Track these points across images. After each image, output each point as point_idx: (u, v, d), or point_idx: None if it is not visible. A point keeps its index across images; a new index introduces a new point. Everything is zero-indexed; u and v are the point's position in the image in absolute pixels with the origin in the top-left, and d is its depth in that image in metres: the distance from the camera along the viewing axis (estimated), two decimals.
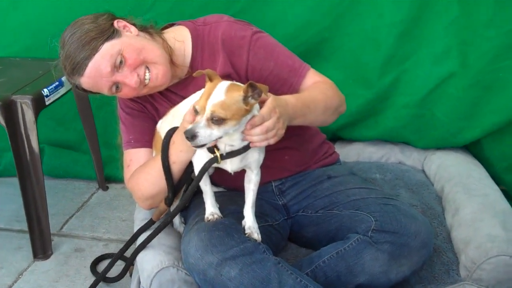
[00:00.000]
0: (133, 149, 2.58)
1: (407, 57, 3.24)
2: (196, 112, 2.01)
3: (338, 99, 2.55)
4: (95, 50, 2.30)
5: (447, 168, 3.16)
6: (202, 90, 2.16)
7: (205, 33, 2.53)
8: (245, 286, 2.19)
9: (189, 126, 1.98)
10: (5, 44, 3.80)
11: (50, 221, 3.19)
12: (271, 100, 2.10)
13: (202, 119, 1.97)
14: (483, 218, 2.63)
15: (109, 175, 3.90)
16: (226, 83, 2.04)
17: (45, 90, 3.11)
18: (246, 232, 2.29)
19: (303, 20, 3.32)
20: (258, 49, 2.49)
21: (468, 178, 3.02)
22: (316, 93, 2.46)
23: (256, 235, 2.29)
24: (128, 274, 2.81)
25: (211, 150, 2.14)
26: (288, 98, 2.27)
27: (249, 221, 2.31)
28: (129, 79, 2.34)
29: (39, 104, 3.06)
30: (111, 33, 2.36)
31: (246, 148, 2.14)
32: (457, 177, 3.03)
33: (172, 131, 2.31)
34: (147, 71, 2.37)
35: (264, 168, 2.34)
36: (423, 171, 3.35)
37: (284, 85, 2.52)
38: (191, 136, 1.96)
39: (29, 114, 3.00)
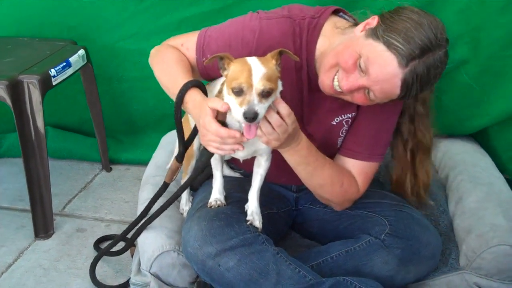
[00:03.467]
0: (196, 56, 2.40)
1: None
2: (238, 92, 1.95)
3: (337, 200, 2.45)
4: None
5: (452, 156, 3.15)
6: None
7: None
8: (242, 276, 2.19)
9: (244, 107, 1.92)
10: None
11: (52, 201, 3.18)
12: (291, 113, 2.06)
13: (253, 96, 1.93)
14: (487, 207, 2.62)
15: (112, 157, 3.88)
16: (254, 58, 2.01)
17: (52, 70, 3.10)
18: (248, 218, 2.28)
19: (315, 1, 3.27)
20: (387, 109, 2.37)
21: (473, 167, 3.00)
22: (330, 173, 2.36)
23: (258, 223, 2.29)
24: (130, 254, 2.81)
25: None
26: (305, 140, 2.22)
27: (252, 205, 2.31)
28: None
29: (46, 85, 3.04)
30: None
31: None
32: (462, 165, 3.02)
33: (188, 86, 2.20)
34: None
35: (291, 172, 2.33)
36: None
37: (351, 141, 2.46)
38: (253, 116, 1.91)
39: (36, 94, 2.99)
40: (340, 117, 2.43)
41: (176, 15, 3.47)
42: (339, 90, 2.20)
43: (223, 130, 2.02)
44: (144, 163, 3.30)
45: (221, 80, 2.27)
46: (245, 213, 2.32)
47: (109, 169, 3.84)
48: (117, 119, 3.90)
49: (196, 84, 2.23)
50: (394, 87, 2.09)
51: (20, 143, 3.00)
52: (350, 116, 2.43)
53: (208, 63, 2.10)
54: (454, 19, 3.07)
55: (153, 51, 2.49)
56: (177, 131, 2.36)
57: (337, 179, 2.37)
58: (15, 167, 3.66)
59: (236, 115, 1.98)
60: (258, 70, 1.95)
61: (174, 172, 2.53)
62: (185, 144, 2.41)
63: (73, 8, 3.59)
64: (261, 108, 1.93)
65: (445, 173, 3.04)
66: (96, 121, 3.69)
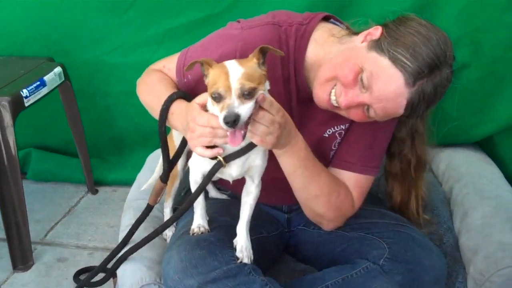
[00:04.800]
0: (177, 78, 2.26)
1: None
2: (218, 98, 1.78)
3: (333, 214, 2.23)
4: None
5: (456, 167, 2.99)
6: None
7: None
8: None
9: (224, 112, 1.74)
10: None
11: (34, 228, 3.07)
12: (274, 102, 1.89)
13: (232, 99, 1.76)
14: (494, 224, 2.46)
15: (99, 178, 3.76)
16: (232, 61, 1.86)
17: (24, 90, 2.96)
18: (238, 255, 2.09)
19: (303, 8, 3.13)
20: (382, 122, 2.18)
21: (479, 178, 2.84)
22: (327, 181, 2.17)
23: (247, 259, 2.09)
24: (113, 285, 2.63)
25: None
26: (302, 141, 2.06)
27: (242, 240, 2.11)
28: None
29: (17, 106, 2.90)
30: None
31: (249, 147, 1.94)
32: (467, 177, 2.86)
33: (173, 97, 2.09)
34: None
35: (281, 191, 2.20)
36: (431, 169, 3.14)
37: (345, 151, 2.28)
38: (234, 119, 1.73)
39: (7, 117, 2.85)
40: (332, 128, 2.27)
41: (161, 26, 3.36)
42: (336, 105, 2.04)
43: (214, 119, 1.84)
44: (131, 183, 3.12)
45: None
46: (231, 239, 2.13)
47: (94, 191, 3.70)
48: (102, 137, 3.78)
49: (182, 95, 2.11)
50: (398, 106, 1.95)
51: None
52: (343, 127, 2.27)
53: (188, 70, 1.93)
54: (454, 20, 2.94)
55: (138, 80, 2.37)
56: (162, 147, 2.20)
57: (334, 189, 2.19)
58: None
59: (220, 121, 1.79)
60: (235, 71, 1.79)
61: (158, 194, 2.37)
62: (170, 162, 2.24)
63: (54, 23, 3.48)
64: (243, 109, 1.76)
65: (449, 185, 2.87)
66: (78, 140, 3.56)
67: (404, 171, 2.42)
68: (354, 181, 2.26)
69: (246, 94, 1.76)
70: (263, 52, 1.86)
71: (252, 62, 1.85)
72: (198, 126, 1.89)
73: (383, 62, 1.92)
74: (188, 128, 1.94)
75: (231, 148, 1.91)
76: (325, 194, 2.18)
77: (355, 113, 2.03)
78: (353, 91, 1.98)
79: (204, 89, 2.01)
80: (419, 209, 2.47)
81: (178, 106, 2.07)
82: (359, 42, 2.02)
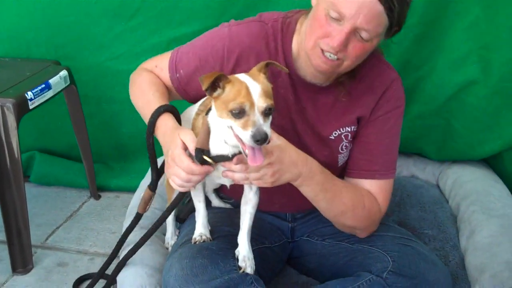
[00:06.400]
0: (170, 74, 2.32)
1: (423, 63, 3.06)
2: (239, 114, 1.75)
3: (362, 224, 2.27)
4: None
5: (463, 184, 2.96)
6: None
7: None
8: None
9: (252, 129, 1.73)
10: None
11: (35, 232, 3.00)
12: (275, 145, 1.93)
13: (257, 116, 1.74)
14: (501, 242, 2.44)
15: (101, 184, 3.71)
16: (243, 74, 1.85)
17: (29, 93, 2.90)
18: (240, 265, 2.06)
19: None
20: (393, 120, 2.28)
21: (486, 196, 2.82)
22: (350, 196, 2.20)
23: (250, 269, 2.06)
24: None
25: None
26: (316, 165, 2.08)
27: (244, 250, 2.08)
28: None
29: (21, 108, 2.84)
30: None
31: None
32: (474, 195, 2.83)
33: (160, 110, 2.10)
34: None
35: (286, 198, 2.21)
36: (438, 186, 3.10)
37: (367, 161, 2.28)
38: (264, 137, 1.72)
39: (11, 119, 2.78)
40: (338, 131, 2.28)
41: (166, 34, 3.34)
42: (335, 56, 2.02)
43: (195, 166, 1.91)
44: (135, 190, 3.12)
45: (197, 105, 2.16)
46: (233, 249, 2.11)
47: (97, 197, 3.65)
48: (106, 143, 3.74)
49: (169, 109, 2.13)
50: (372, 4, 1.94)
51: None
52: (349, 130, 2.28)
53: (206, 86, 1.83)
54: (462, 37, 2.94)
55: (131, 76, 2.41)
56: (150, 158, 2.24)
57: (358, 201, 2.20)
58: None
59: (243, 139, 1.77)
60: (254, 87, 1.77)
61: (147, 202, 2.38)
62: (158, 171, 2.28)
63: (60, 26, 3.45)
64: (267, 127, 1.75)
65: (456, 202, 2.84)
66: (82, 145, 3.50)
67: None
68: (378, 187, 2.27)
69: (267, 111, 1.76)
70: (267, 66, 1.88)
71: (262, 77, 1.84)
72: (176, 166, 1.93)
73: None
74: (167, 154, 1.99)
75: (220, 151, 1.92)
76: (350, 209, 2.19)
77: (352, 48, 2.02)
78: (334, 31, 1.99)
79: (195, 85, 2.20)
80: None
81: (164, 121, 2.10)
82: (313, 2, 2.09)
